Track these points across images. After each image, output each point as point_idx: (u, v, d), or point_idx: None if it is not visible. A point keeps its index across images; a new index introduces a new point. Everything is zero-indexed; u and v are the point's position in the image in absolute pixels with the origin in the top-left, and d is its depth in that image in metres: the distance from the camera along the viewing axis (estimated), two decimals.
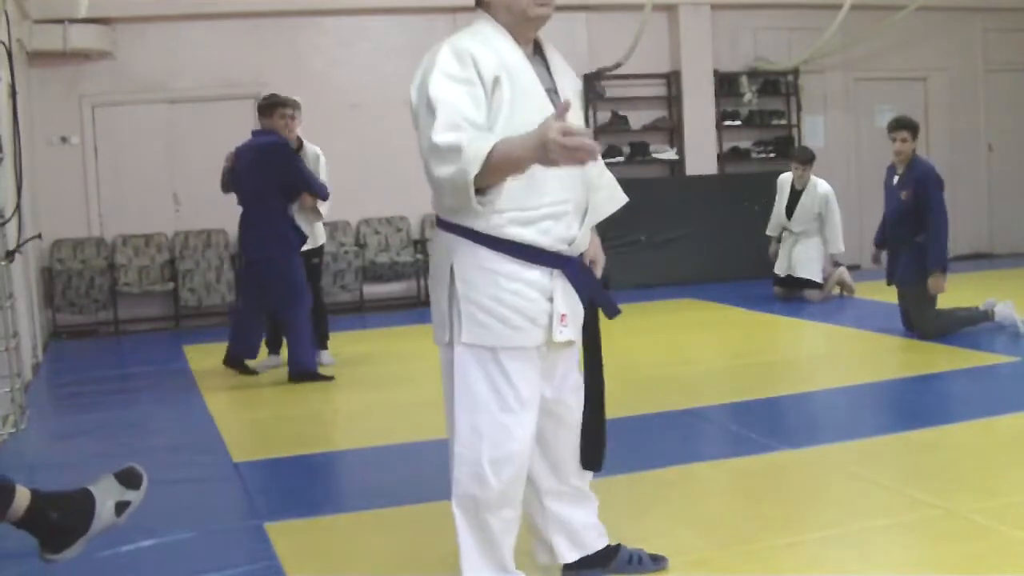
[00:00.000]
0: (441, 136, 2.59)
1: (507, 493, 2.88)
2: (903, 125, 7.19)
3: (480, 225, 2.76)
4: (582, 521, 3.15)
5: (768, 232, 9.78)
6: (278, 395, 6.52)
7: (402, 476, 4.56)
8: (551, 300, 2.84)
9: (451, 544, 3.49)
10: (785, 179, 9.59)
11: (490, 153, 2.54)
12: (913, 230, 7.12)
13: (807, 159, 9.44)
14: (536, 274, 2.81)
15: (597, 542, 3.17)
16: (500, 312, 2.79)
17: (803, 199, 9.40)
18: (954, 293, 7.52)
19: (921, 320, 7.10)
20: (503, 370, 2.82)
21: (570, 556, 3.13)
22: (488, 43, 2.78)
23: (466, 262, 2.79)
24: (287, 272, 6.75)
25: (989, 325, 7.18)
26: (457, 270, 2.80)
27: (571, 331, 2.90)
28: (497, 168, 2.56)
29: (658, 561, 3.26)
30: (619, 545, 3.22)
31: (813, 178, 9.45)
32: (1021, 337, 6.99)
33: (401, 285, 10.60)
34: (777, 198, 9.64)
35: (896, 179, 7.26)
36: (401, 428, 5.42)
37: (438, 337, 2.90)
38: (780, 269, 9.59)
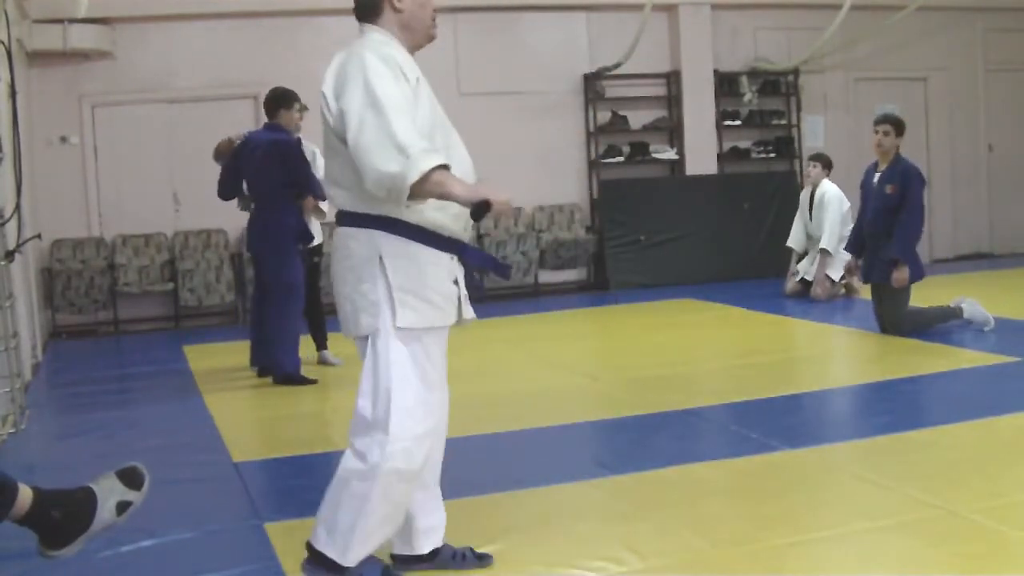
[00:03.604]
0: (405, 133, 2.87)
1: (423, 467, 3.12)
2: (886, 119, 7.33)
3: (405, 215, 3.02)
4: (440, 512, 3.35)
5: (789, 243, 9.85)
6: (278, 395, 6.52)
7: None
8: (456, 283, 3.14)
9: (450, 543, 3.50)
10: (804, 194, 9.83)
11: (431, 172, 2.84)
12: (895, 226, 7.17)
13: (827, 164, 9.73)
14: (447, 258, 3.12)
15: (441, 538, 3.36)
16: (428, 296, 3.06)
17: (815, 208, 9.59)
18: (953, 293, 7.53)
19: (897, 317, 7.16)
20: (426, 350, 3.09)
21: (426, 548, 3.32)
22: (398, 52, 3.09)
23: (395, 251, 3.03)
24: (282, 270, 6.73)
25: (959, 322, 7.25)
26: (387, 260, 3.03)
27: (471, 310, 3.21)
28: (429, 189, 2.88)
29: (483, 559, 3.37)
30: (445, 543, 3.37)
31: (825, 183, 9.59)
32: (993, 332, 7.04)
33: None
34: (798, 213, 9.82)
35: (878, 176, 7.31)
36: None
37: (364, 327, 3.07)
38: (801, 268, 9.68)
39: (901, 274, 7.07)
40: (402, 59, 3.07)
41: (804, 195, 9.84)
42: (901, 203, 7.11)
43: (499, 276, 3.28)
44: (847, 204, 9.46)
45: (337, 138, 3.02)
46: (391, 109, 2.90)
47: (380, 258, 3.03)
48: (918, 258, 7.23)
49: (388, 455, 3.01)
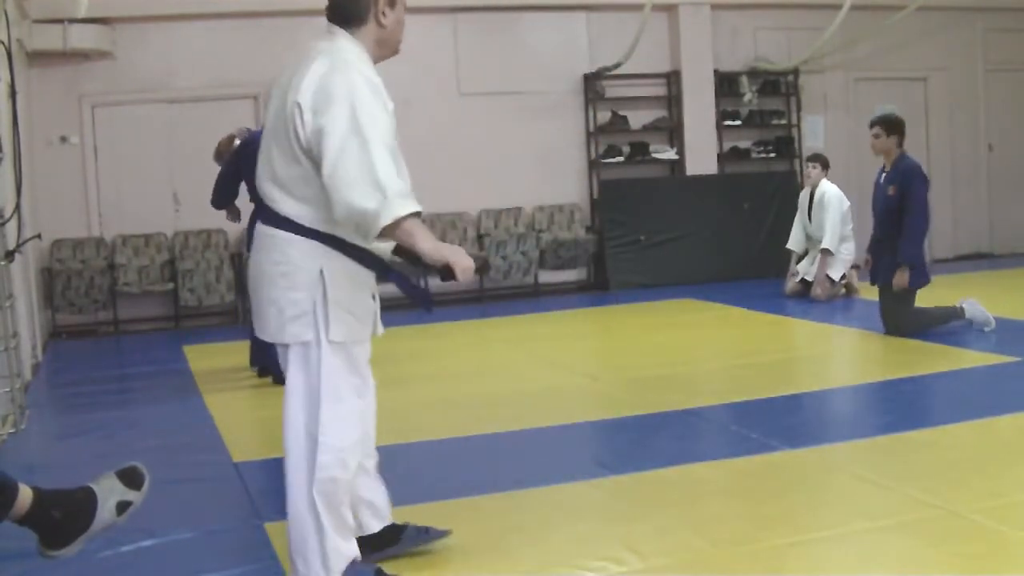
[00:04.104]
0: (385, 170, 2.87)
1: (355, 472, 3.23)
2: (878, 120, 7.37)
3: (347, 235, 3.04)
4: (382, 493, 3.47)
5: (789, 246, 9.82)
6: (278, 395, 6.45)
7: (400, 476, 4.54)
8: (373, 298, 3.23)
9: (450, 543, 3.51)
10: (804, 195, 9.81)
11: (403, 218, 2.86)
12: (900, 228, 7.16)
13: (825, 164, 9.72)
14: (370, 276, 3.19)
15: (388, 515, 3.49)
16: (357, 311, 3.13)
17: (814, 208, 9.60)
18: (953, 293, 7.53)
19: (898, 319, 7.16)
20: (355, 361, 3.16)
21: (375, 526, 3.42)
22: (374, 74, 3.08)
23: (334, 266, 3.06)
24: None
25: (961, 323, 7.25)
26: (327, 275, 3.04)
27: (381, 326, 3.32)
28: (398, 235, 2.92)
29: (443, 533, 3.57)
30: (405, 523, 3.51)
31: (824, 184, 9.57)
32: (993, 333, 7.05)
33: None
34: (798, 214, 9.81)
35: (883, 176, 7.33)
36: (399, 428, 5.41)
37: (291, 335, 3.08)
38: (801, 268, 9.68)
39: (900, 278, 7.08)
40: (380, 83, 3.06)
41: (803, 196, 9.83)
42: (902, 204, 7.12)
43: (423, 308, 3.32)
44: (847, 203, 9.49)
45: (302, 151, 2.97)
46: (375, 142, 2.89)
47: (321, 271, 3.04)
48: (924, 263, 7.23)
49: (323, 465, 3.09)
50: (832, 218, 9.38)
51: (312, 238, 3.04)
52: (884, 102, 12.25)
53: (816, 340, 7.94)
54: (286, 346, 3.12)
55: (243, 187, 6.98)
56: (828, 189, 9.55)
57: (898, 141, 7.25)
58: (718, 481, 4.27)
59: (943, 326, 7.24)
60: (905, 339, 7.08)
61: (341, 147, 2.88)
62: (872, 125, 7.34)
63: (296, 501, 3.15)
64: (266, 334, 3.16)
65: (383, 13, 3.11)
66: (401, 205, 2.86)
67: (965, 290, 7.78)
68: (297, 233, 3.04)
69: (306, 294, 3.04)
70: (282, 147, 3.03)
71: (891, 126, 7.26)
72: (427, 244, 2.92)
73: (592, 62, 11.29)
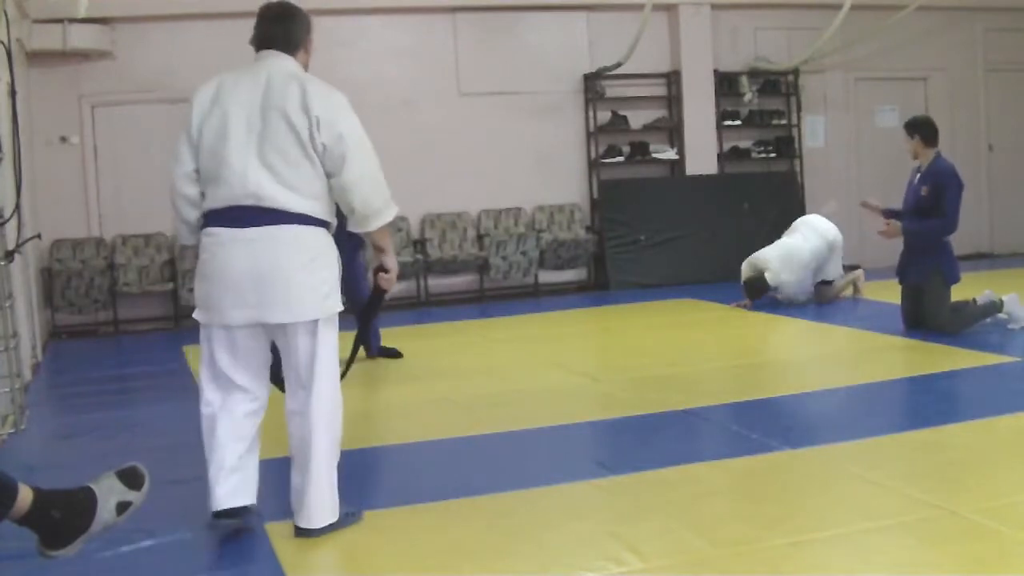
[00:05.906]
0: (383, 175, 3.63)
1: None
2: (905, 125, 7.46)
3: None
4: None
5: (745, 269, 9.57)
6: (277, 395, 6.49)
7: (402, 476, 4.56)
8: None
9: (450, 544, 3.50)
10: None
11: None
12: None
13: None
14: None
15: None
16: None
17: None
18: (954, 292, 7.53)
19: (939, 317, 7.16)
20: None
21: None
22: None
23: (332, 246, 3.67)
24: None
25: (991, 320, 7.28)
26: (335, 257, 3.65)
27: None
28: (383, 230, 3.70)
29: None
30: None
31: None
32: (1017, 333, 7.05)
33: (401, 285, 10.60)
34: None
35: (918, 176, 7.38)
36: (401, 428, 5.42)
37: (329, 308, 3.60)
38: None
39: (890, 229, 7.25)
40: None
41: None
42: (936, 204, 7.15)
43: None
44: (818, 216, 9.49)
45: (316, 153, 3.50)
46: (373, 151, 3.59)
47: (334, 252, 3.64)
48: (955, 261, 7.29)
49: (336, 427, 3.75)
50: (826, 225, 9.28)
51: (322, 227, 3.60)
52: (884, 102, 12.29)
53: (816, 340, 7.94)
54: (315, 322, 3.56)
55: None
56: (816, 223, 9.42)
57: (923, 141, 7.29)
58: (718, 481, 4.27)
59: (986, 320, 7.26)
60: (905, 339, 7.09)
61: (361, 151, 3.52)
62: (904, 128, 7.44)
63: (324, 455, 3.68)
64: (303, 315, 3.55)
65: (311, 41, 3.83)
66: (394, 205, 3.66)
67: (966, 290, 7.78)
68: (314, 225, 3.57)
69: (331, 272, 3.61)
70: (287, 154, 3.50)
71: (911, 127, 7.35)
72: (388, 248, 3.78)
73: (592, 62, 11.30)
